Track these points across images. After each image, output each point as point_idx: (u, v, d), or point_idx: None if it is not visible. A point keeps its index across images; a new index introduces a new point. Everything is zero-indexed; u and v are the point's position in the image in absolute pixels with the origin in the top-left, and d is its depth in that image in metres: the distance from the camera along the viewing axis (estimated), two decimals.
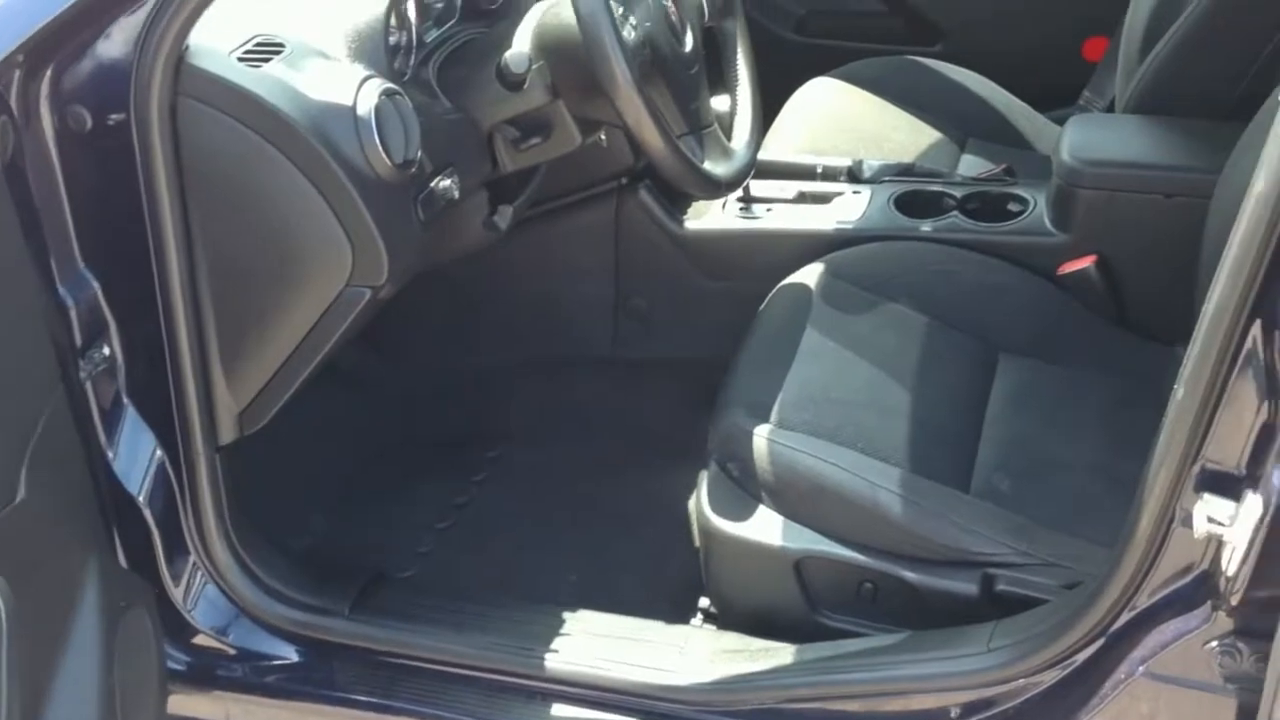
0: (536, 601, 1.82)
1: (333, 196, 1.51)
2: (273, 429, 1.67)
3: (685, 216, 2.22)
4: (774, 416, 1.70)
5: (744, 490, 1.69)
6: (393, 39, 1.67)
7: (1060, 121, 2.49)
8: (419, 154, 1.59)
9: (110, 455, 1.56)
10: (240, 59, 1.50)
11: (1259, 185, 1.15)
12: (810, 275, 1.98)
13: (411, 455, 2.30)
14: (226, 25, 1.52)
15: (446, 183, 1.67)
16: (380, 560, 1.98)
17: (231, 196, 1.51)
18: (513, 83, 1.72)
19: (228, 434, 1.64)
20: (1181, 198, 1.89)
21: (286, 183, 1.50)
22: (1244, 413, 1.19)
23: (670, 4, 1.80)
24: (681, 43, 1.80)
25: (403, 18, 1.72)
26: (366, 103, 1.52)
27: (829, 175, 2.27)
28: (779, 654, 1.60)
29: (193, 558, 1.67)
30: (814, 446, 1.65)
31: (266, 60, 1.50)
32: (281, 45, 1.53)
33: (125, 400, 1.57)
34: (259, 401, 1.64)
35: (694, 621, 1.77)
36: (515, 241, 1.99)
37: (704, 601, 1.78)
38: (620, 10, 1.68)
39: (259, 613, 1.70)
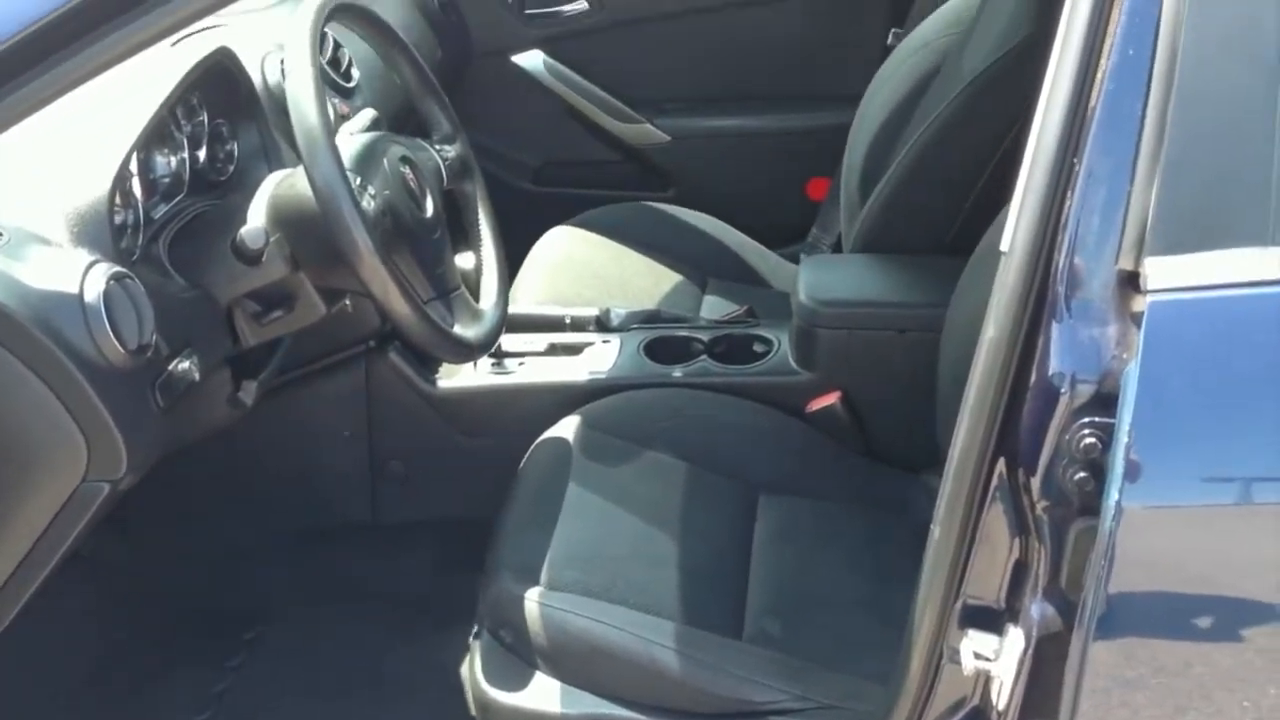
0: None
1: (62, 390, 1.42)
2: (6, 627, 1.54)
3: (437, 375, 2.20)
4: (543, 578, 1.68)
5: (518, 657, 1.65)
6: (118, 218, 1.60)
7: (792, 258, 2.61)
8: (154, 337, 1.52)
9: None
10: None
11: (990, 331, 1.20)
12: (568, 428, 1.97)
13: (162, 643, 2.16)
14: None
15: (186, 364, 1.60)
16: None
17: None
18: (250, 257, 1.67)
19: None
20: (914, 332, 1.98)
21: (10, 378, 1.41)
22: (998, 549, 1.23)
23: (408, 170, 1.79)
24: (422, 208, 1.79)
25: (128, 195, 1.65)
26: (94, 289, 1.44)
27: (578, 325, 2.29)
28: None
29: None
30: (585, 607, 1.63)
31: None
32: None
33: None
34: None
35: None
36: (263, 412, 1.91)
37: None
38: (358, 180, 1.67)
39: None
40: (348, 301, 1.94)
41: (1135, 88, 1.13)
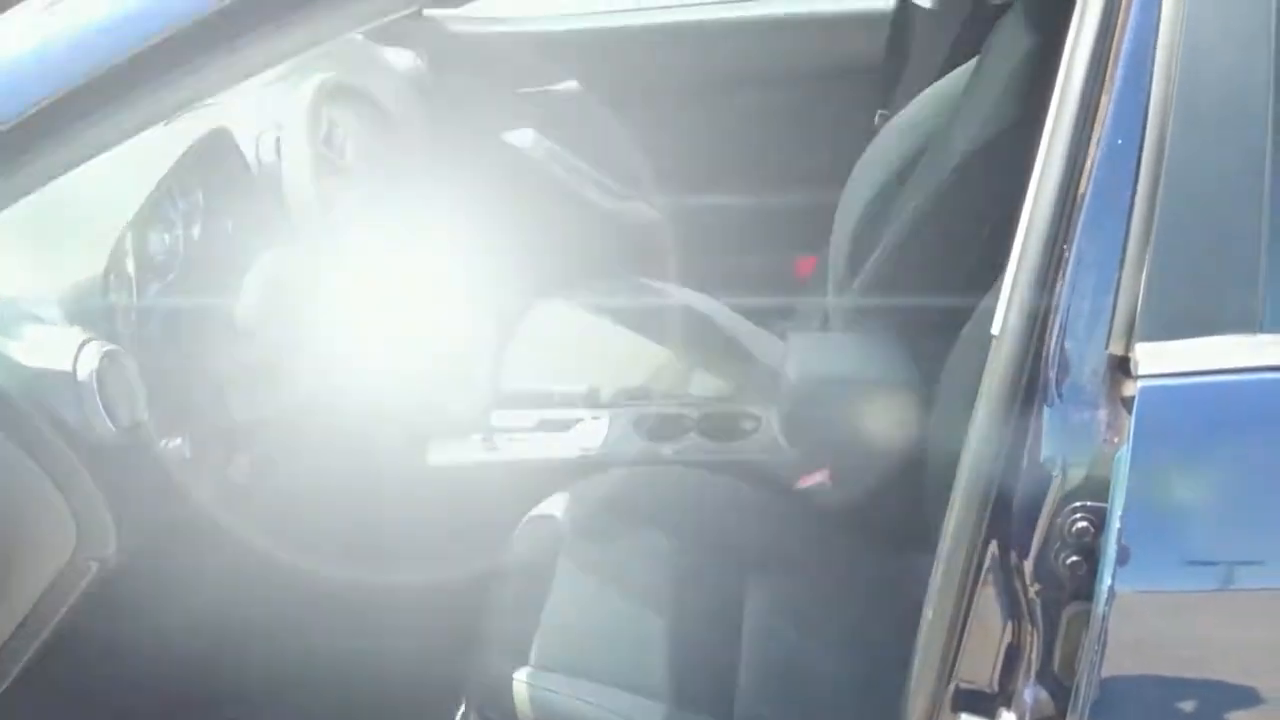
0: None
1: (53, 467, 1.42)
2: None
3: (427, 451, 2.19)
4: (532, 658, 1.67)
5: None
6: (112, 296, 1.61)
7: (780, 335, 2.62)
8: (146, 415, 1.52)
9: None
10: None
11: (981, 413, 1.21)
12: (557, 505, 1.97)
13: None
14: None
15: (178, 441, 1.60)
16: None
17: None
18: (243, 334, 1.69)
19: None
20: (902, 411, 1.98)
21: (1, 455, 1.41)
22: (990, 632, 1.23)
23: (401, 247, 1.81)
24: (415, 285, 1.80)
25: (122, 273, 1.66)
26: (87, 367, 1.45)
27: (567, 401, 2.30)
28: None
29: None
30: (575, 688, 1.62)
31: None
32: None
33: None
34: None
35: None
36: (251, 489, 1.91)
37: None
38: (351, 257, 1.68)
39: None
40: (339, 376, 1.95)
41: (1124, 176, 1.15)
